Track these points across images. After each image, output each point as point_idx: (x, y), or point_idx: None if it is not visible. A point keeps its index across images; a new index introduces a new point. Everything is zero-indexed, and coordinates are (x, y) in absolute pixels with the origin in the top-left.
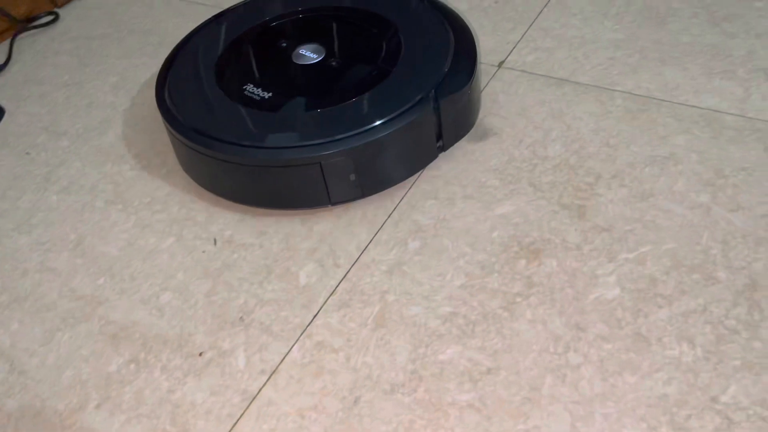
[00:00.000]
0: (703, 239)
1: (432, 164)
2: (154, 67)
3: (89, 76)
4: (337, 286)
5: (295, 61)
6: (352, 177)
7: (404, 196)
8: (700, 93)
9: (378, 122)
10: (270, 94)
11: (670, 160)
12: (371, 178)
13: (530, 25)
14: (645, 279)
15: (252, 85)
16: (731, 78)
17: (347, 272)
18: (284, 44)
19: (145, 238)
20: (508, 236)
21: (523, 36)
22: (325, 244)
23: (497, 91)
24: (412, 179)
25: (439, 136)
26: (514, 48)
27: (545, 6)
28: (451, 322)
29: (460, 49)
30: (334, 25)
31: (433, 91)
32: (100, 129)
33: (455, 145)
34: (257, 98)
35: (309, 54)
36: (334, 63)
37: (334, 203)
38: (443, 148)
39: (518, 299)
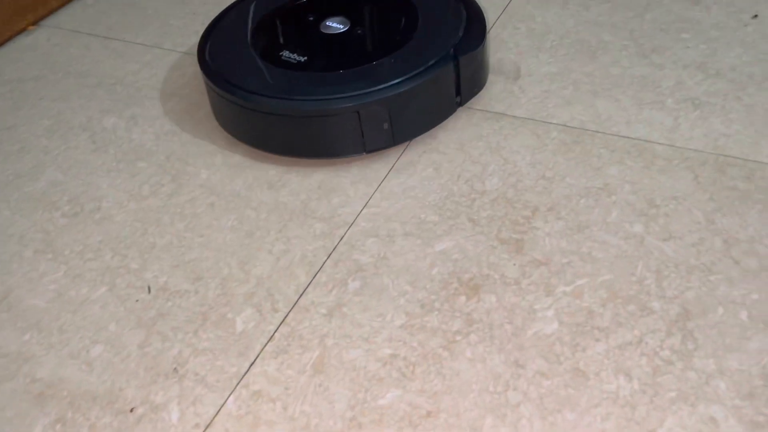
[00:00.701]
0: (638, 269)
1: (372, 201)
2: (90, 110)
3: (22, 120)
4: (275, 332)
5: (323, 31)
6: (386, 125)
7: (344, 234)
8: (631, 124)
9: (408, 75)
10: (305, 58)
11: (604, 191)
12: (401, 126)
13: None
14: (582, 312)
15: (288, 51)
16: (661, 108)
17: (285, 316)
18: (311, 18)
19: (76, 289)
20: (448, 273)
21: None
22: (263, 288)
23: (435, 127)
24: (351, 218)
25: (458, 91)
26: None
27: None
28: (391, 364)
29: (471, 17)
30: (356, 1)
31: (452, 49)
32: (31, 175)
33: (395, 182)
34: (294, 62)
35: (336, 25)
36: (359, 31)
37: (369, 151)
38: (461, 103)
39: (458, 337)
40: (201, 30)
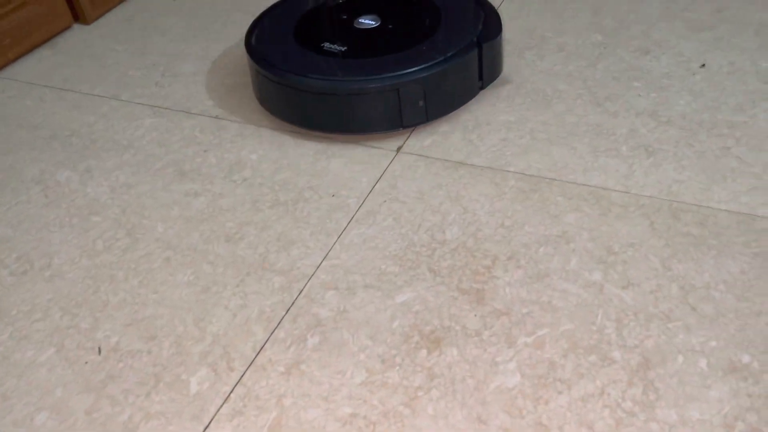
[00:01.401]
0: (598, 318)
1: (332, 253)
2: (43, 162)
3: None
4: (230, 393)
5: (357, 27)
6: (421, 103)
7: (303, 288)
8: (587, 171)
9: (439, 59)
10: (345, 48)
11: (563, 238)
12: (434, 104)
13: None
14: (544, 363)
15: (328, 43)
16: (615, 156)
17: (242, 376)
18: (344, 16)
19: (22, 351)
20: (409, 325)
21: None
22: (219, 345)
23: (396, 176)
24: (311, 270)
25: (480, 76)
26: (411, 132)
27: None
28: (351, 424)
29: (487, 13)
30: (384, 2)
31: (476, 38)
32: None
33: (355, 232)
34: (336, 51)
35: (368, 21)
36: (390, 26)
37: (406, 126)
38: (483, 87)
39: (420, 393)
40: (161, 80)
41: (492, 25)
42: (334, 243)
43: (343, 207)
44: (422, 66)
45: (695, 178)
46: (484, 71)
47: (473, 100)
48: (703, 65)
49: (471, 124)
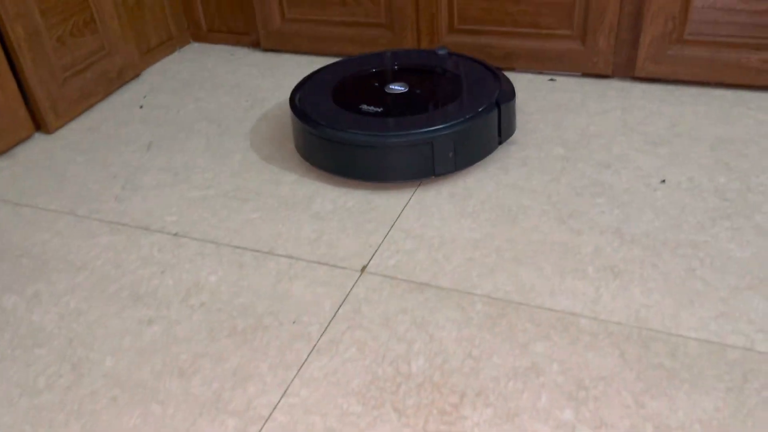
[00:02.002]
0: None
1: (291, 390)
2: None
3: None
4: None
5: (388, 92)
6: (450, 154)
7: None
8: (555, 294)
9: (466, 117)
10: (381, 109)
11: (532, 371)
12: (462, 155)
13: (392, 226)
14: None
15: (365, 105)
16: (582, 277)
17: None
18: (376, 83)
19: None
20: None
21: (384, 238)
22: None
23: (360, 300)
24: (267, 411)
25: (499, 132)
26: (376, 251)
27: (406, 205)
28: None
29: (501, 80)
30: (409, 71)
31: (495, 100)
32: None
33: (316, 365)
34: (373, 111)
35: (398, 87)
36: (417, 91)
37: (437, 174)
38: (501, 142)
39: None
40: (121, 193)
41: (507, 90)
42: (294, 378)
43: (304, 335)
44: (452, 123)
45: (663, 302)
46: (502, 128)
47: (437, 215)
48: (663, 181)
49: (437, 242)
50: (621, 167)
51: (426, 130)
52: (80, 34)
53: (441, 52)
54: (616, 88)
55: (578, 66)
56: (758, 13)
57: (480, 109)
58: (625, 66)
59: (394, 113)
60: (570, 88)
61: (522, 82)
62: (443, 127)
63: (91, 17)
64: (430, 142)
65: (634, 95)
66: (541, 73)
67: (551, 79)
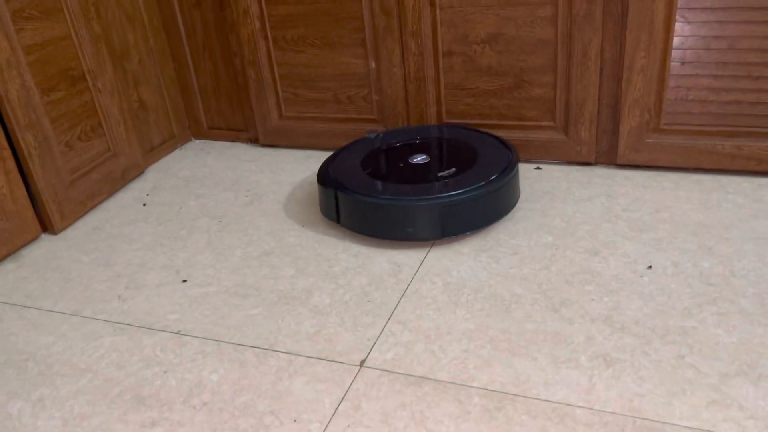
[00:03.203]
0: None
1: None
2: None
3: None
4: None
5: (411, 162)
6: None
7: None
8: (549, 385)
9: (480, 183)
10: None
11: None
12: (473, 220)
13: (389, 319)
14: None
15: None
16: (576, 367)
17: None
18: (402, 161)
19: None
20: None
21: (382, 330)
22: None
23: (359, 395)
24: None
25: (510, 197)
26: (374, 345)
27: (402, 296)
28: None
29: (509, 148)
30: (429, 144)
31: (505, 169)
32: None
33: None
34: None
35: (420, 159)
36: (437, 161)
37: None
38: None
39: None
40: (124, 293)
41: (514, 159)
42: None
43: None
44: (464, 189)
45: (655, 391)
46: (512, 194)
47: (432, 306)
48: (650, 267)
49: (433, 333)
50: (608, 254)
51: (443, 195)
52: (87, 139)
53: (371, 136)
54: (600, 175)
55: (563, 155)
56: (728, 103)
57: (490, 178)
58: (607, 153)
59: (420, 179)
60: (556, 176)
61: None
62: (457, 194)
63: (99, 123)
64: (439, 208)
65: (618, 182)
66: (528, 161)
67: (537, 168)
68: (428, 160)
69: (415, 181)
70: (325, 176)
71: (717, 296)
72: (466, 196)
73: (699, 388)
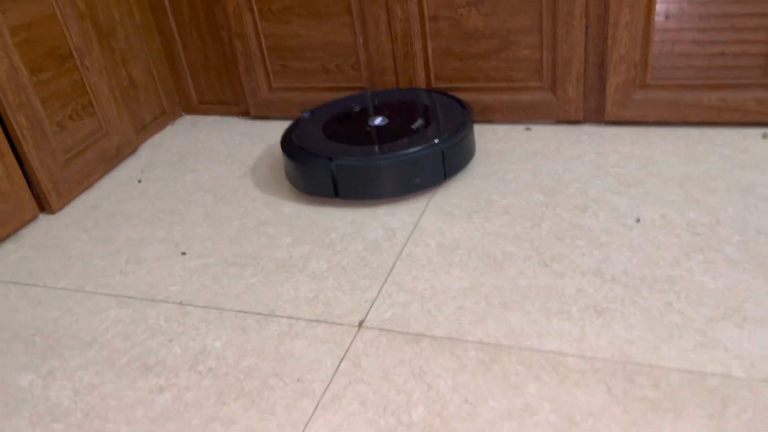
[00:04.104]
0: None
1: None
2: (4, 367)
3: None
4: None
5: (376, 125)
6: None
7: None
8: (542, 336)
9: (457, 131)
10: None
11: (526, 411)
12: (457, 161)
13: (385, 281)
14: None
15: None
16: (567, 318)
17: None
18: (365, 126)
19: None
20: None
21: (379, 292)
22: None
23: (359, 354)
24: None
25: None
26: (371, 306)
27: (397, 259)
28: None
29: (464, 107)
30: (388, 106)
31: (465, 123)
32: None
33: (321, 421)
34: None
35: (379, 121)
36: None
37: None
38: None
39: None
40: (125, 267)
41: (469, 113)
42: None
43: (309, 393)
44: (446, 136)
45: (644, 337)
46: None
47: (427, 267)
48: (638, 220)
49: (428, 293)
50: (598, 209)
51: (413, 149)
52: (79, 118)
53: (305, 115)
54: (588, 133)
55: (551, 114)
56: (713, 56)
57: (462, 127)
58: (595, 111)
59: (386, 137)
60: (545, 136)
61: (500, 133)
62: (443, 140)
63: (89, 101)
64: (441, 151)
65: (606, 139)
66: (517, 123)
67: (527, 128)
68: (388, 122)
69: (403, 135)
70: (317, 151)
71: (703, 245)
72: (458, 137)
73: (686, 332)
